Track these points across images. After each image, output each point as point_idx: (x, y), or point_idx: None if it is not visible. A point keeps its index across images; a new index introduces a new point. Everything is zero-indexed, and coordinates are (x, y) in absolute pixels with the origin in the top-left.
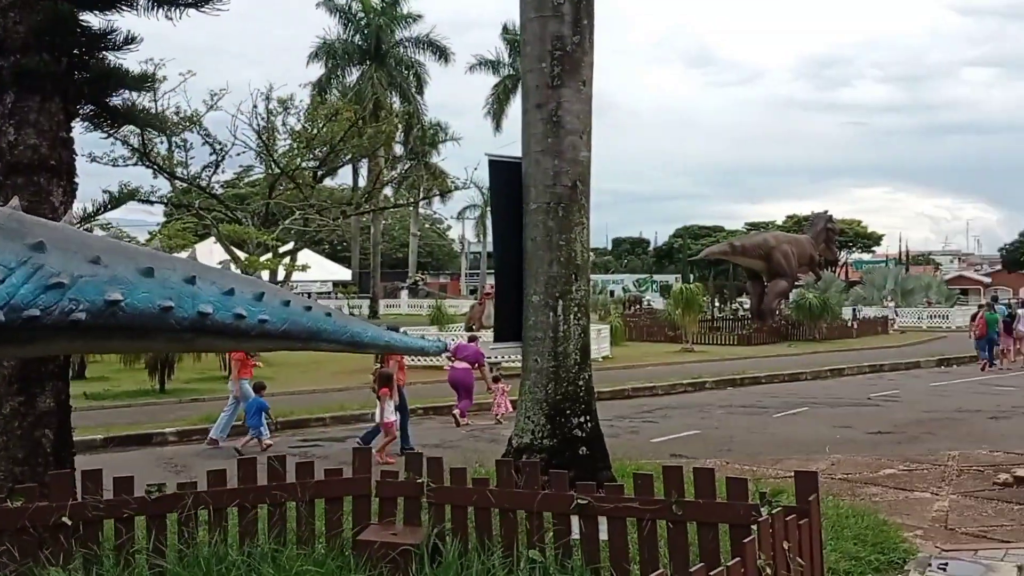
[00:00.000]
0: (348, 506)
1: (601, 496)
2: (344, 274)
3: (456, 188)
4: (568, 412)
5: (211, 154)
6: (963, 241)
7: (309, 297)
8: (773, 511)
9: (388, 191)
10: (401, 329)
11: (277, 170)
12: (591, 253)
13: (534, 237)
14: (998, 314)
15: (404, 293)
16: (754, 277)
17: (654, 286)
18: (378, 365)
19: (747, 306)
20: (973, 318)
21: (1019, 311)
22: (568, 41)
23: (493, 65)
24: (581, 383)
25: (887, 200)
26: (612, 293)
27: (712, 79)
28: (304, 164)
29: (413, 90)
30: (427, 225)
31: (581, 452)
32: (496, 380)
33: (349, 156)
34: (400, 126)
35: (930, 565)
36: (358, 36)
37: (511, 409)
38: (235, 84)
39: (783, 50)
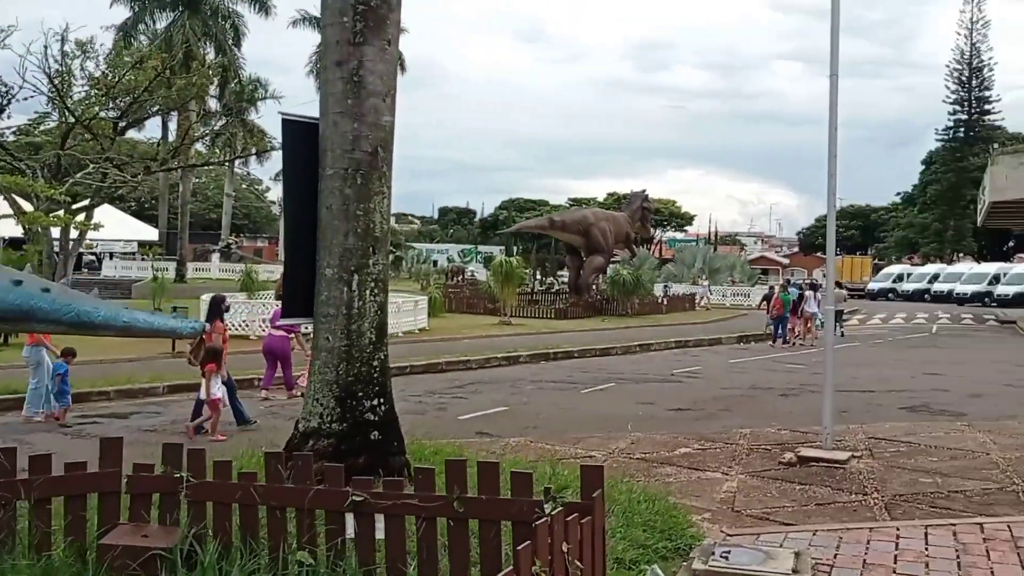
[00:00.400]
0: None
1: (379, 492)
2: (151, 234)
3: (272, 148)
4: (360, 395)
5: None
6: (767, 224)
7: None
8: (555, 510)
9: (201, 148)
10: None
11: (72, 119)
12: (416, 222)
13: (329, 205)
14: (791, 295)
15: (216, 256)
16: (572, 252)
17: (479, 257)
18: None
19: (566, 280)
20: (767, 299)
21: (807, 292)
22: None
23: (317, 21)
24: (376, 364)
25: (700, 182)
26: (435, 263)
27: (542, 55)
28: (103, 114)
29: (230, 42)
30: (244, 186)
31: (373, 437)
32: None
33: (156, 108)
34: (215, 79)
35: (713, 553)
36: None
37: None
38: (29, 22)
39: (610, 30)
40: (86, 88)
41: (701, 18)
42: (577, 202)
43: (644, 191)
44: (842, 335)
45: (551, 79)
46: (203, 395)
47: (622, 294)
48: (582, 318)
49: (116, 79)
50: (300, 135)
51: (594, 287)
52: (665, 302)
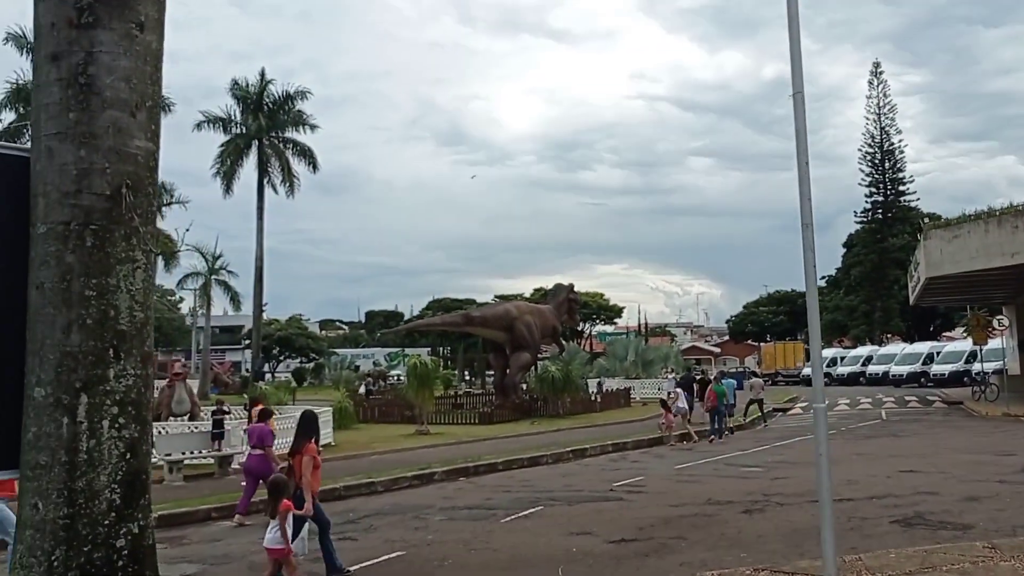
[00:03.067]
0: None
1: None
2: None
3: (160, 253)
4: None
5: None
6: (693, 314)
7: None
8: None
9: None
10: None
11: None
12: (344, 328)
13: (41, 283)
14: (724, 386)
15: None
16: (497, 350)
17: (406, 360)
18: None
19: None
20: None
21: (677, 389)
22: None
23: (224, 123)
24: (123, 543)
25: (625, 276)
26: (358, 368)
27: (463, 158)
28: None
29: None
30: (155, 297)
31: None
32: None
33: None
34: None
35: None
36: None
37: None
38: None
39: (530, 133)
40: None
41: (615, 121)
42: (503, 299)
43: (570, 284)
44: (765, 425)
45: (474, 181)
46: (268, 541)
47: (552, 393)
48: (509, 421)
49: None
50: (4, 176)
51: (522, 386)
52: (599, 399)
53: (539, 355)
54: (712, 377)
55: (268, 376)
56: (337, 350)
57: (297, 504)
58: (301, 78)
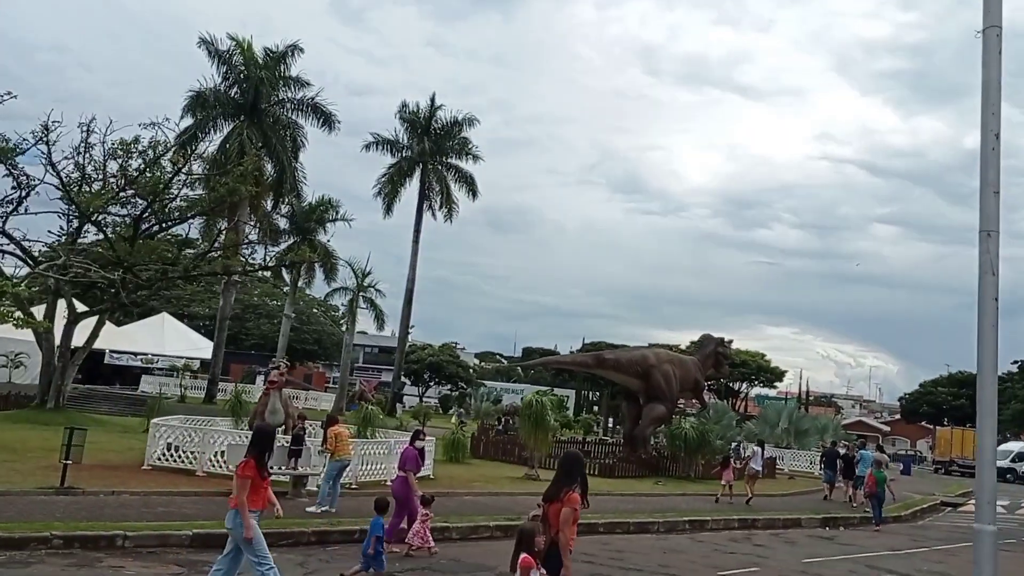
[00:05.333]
0: None
1: None
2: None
3: (305, 262)
4: None
5: (13, 188)
6: (865, 388)
7: None
8: None
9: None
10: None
11: (78, 213)
12: (503, 362)
13: None
14: (884, 473)
15: (260, 379)
16: (630, 398)
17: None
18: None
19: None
20: (827, 459)
21: (756, 448)
22: None
23: (391, 145)
24: None
25: (795, 340)
26: (499, 401)
27: (637, 206)
28: (116, 210)
29: (288, 152)
30: (316, 310)
31: None
32: (425, 502)
33: (195, 212)
34: (268, 191)
35: None
36: (236, 89)
37: (430, 543)
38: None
39: (707, 187)
40: (100, 183)
41: (797, 182)
42: (657, 347)
43: (720, 337)
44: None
45: (645, 230)
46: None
47: (684, 452)
48: (633, 477)
49: (131, 172)
50: None
51: (652, 441)
52: (739, 465)
53: (676, 409)
54: (873, 458)
55: (416, 400)
56: (486, 382)
57: (552, 567)
58: (489, 118)
